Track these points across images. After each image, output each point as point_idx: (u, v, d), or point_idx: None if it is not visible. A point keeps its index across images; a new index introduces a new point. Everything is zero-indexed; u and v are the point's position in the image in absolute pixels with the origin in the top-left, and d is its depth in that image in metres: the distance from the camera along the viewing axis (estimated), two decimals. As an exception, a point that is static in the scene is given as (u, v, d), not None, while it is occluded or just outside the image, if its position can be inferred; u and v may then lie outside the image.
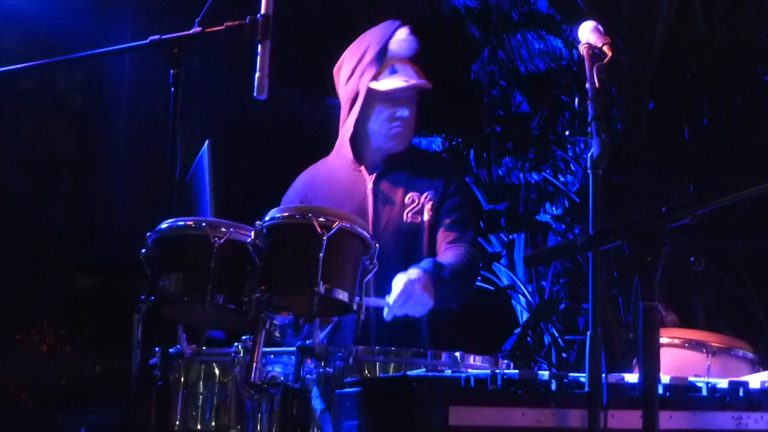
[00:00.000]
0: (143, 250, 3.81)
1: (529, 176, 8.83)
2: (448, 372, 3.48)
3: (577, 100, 3.41)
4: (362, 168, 4.93)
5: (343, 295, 3.68)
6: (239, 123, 8.96)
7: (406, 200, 4.84)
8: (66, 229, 9.44)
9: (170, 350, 3.93)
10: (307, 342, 3.80)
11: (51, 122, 9.28)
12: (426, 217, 4.81)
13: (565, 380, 3.26)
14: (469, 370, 3.74)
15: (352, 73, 4.92)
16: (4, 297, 8.98)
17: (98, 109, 9.23)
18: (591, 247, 3.07)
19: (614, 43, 3.59)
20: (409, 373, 3.50)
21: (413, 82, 4.88)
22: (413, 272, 4.44)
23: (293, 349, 3.81)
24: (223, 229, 3.74)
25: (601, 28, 3.62)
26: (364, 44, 4.94)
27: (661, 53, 8.16)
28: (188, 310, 3.83)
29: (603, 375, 3.15)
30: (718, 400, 3.35)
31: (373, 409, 3.36)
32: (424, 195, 4.85)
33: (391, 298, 4.37)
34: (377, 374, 3.87)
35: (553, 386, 3.24)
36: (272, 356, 3.88)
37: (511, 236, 8.77)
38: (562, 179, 8.61)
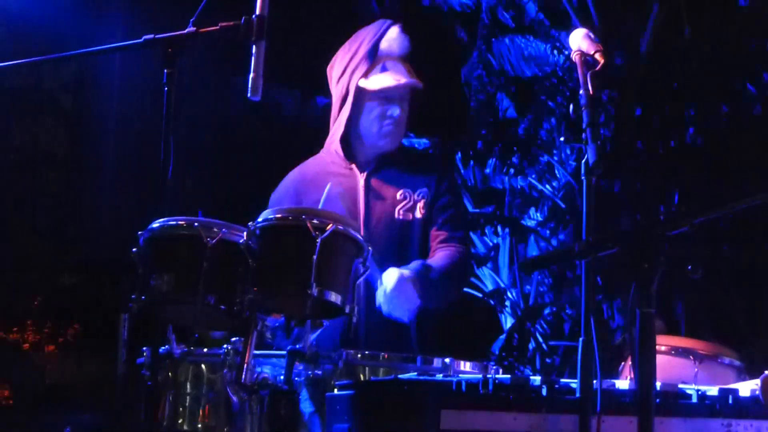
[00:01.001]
0: (134, 249, 3.80)
1: (514, 181, 8.86)
2: (440, 376, 3.49)
3: (571, 107, 3.41)
4: (353, 166, 4.93)
5: (335, 298, 3.68)
6: (230, 122, 8.96)
7: (398, 197, 4.84)
8: (52, 228, 9.42)
9: (159, 350, 3.92)
10: (298, 346, 3.80)
11: (39, 121, 9.25)
12: (418, 214, 4.82)
13: (557, 386, 3.26)
14: (459, 375, 3.74)
15: (344, 71, 4.92)
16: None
17: (88, 108, 9.21)
18: (589, 254, 3.07)
19: (606, 50, 3.60)
20: (400, 376, 3.50)
21: (404, 80, 4.88)
22: (405, 271, 4.49)
23: (283, 352, 3.80)
24: (215, 230, 3.72)
25: (593, 35, 3.63)
26: (356, 42, 4.94)
27: (647, 61, 8.19)
28: (179, 310, 3.82)
29: (595, 381, 3.16)
30: (708, 407, 3.36)
31: (364, 412, 3.36)
32: (417, 192, 4.85)
33: (381, 292, 4.39)
34: (367, 378, 3.87)
35: (545, 392, 3.25)
36: (262, 359, 3.88)
37: (495, 240, 8.78)
38: (546, 186, 8.64)
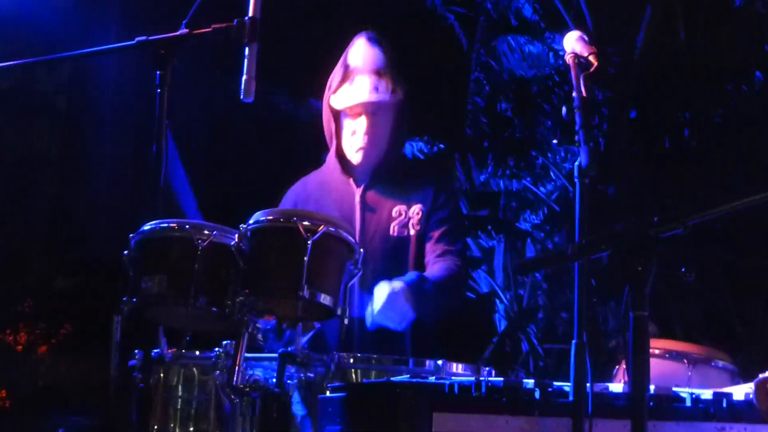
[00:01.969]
0: (125, 252, 3.79)
1: (509, 184, 8.85)
2: (432, 379, 3.48)
3: (564, 109, 3.40)
4: (350, 180, 4.91)
5: (327, 300, 3.67)
6: (222, 124, 8.94)
7: (393, 213, 4.81)
8: (46, 230, 9.41)
9: (151, 353, 3.91)
10: (289, 349, 3.78)
11: (33, 123, 9.24)
12: (412, 231, 4.79)
13: (550, 389, 3.26)
14: (452, 378, 3.73)
15: (326, 87, 4.91)
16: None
17: (82, 110, 9.20)
18: (581, 256, 3.06)
19: (601, 52, 3.59)
20: (392, 379, 3.49)
21: (363, 98, 4.80)
22: (396, 284, 4.45)
23: (274, 355, 3.79)
24: (206, 232, 3.71)
25: (587, 38, 3.62)
26: (341, 58, 4.93)
27: (643, 63, 8.19)
28: (171, 312, 3.82)
29: (588, 384, 3.15)
30: (702, 410, 3.36)
31: (356, 414, 3.35)
32: (412, 208, 4.82)
33: (373, 306, 4.37)
34: (359, 380, 3.86)
35: (538, 395, 3.24)
36: (253, 361, 3.86)
37: (491, 243, 8.77)
38: (542, 188, 8.63)
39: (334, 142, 4.92)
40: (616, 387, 3.40)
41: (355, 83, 4.83)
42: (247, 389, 3.68)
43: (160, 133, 3.83)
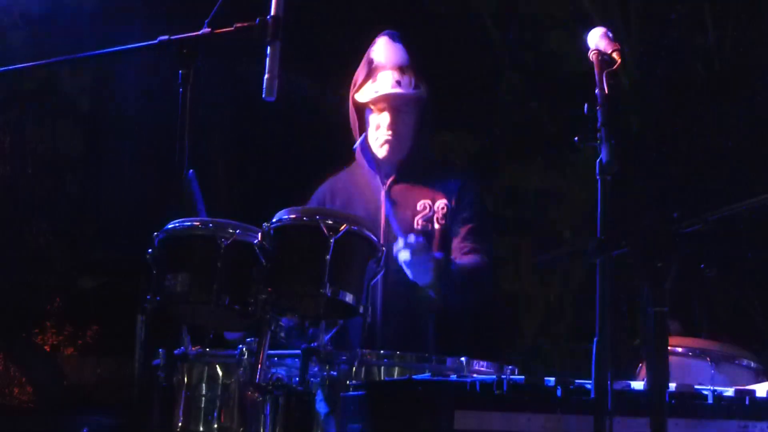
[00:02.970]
0: (149, 250, 3.81)
1: (538, 180, 8.83)
2: (454, 376, 3.48)
3: (586, 106, 3.39)
4: (376, 175, 4.93)
5: (349, 298, 3.69)
6: (247, 122, 8.95)
7: (419, 207, 4.84)
8: (70, 231, 9.44)
9: (174, 351, 3.92)
10: (312, 345, 3.79)
11: (57, 123, 9.28)
12: (437, 225, 4.82)
13: (571, 386, 3.25)
14: (474, 375, 3.73)
15: (351, 86, 4.96)
16: (8, 298, 8.97)
17: (104, 111, 9.23)
18: (601, 253, 3.06)
19: (622, 51, 3.59)
20: (414, 377, 3.49)
21: (385, 91, 4.86)
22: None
23: (297, 351, 3.80)
24: (230, 230, 3.73)
25: (611, 35, 3.61)
26: (364, 56, 4.98)
27: (670, 61, 8.17)
28: (194, 310, 3.83)
29: (609, 382, 3.14)
30: (724, 408, 3.33)
31: (378, 412, 3.36)
32: (437, 203, 4.84)
33: (401, 242, 4.47)
34: (382, 378, 3.87)
35: (559, 392, 3.24)
36: (276, 359, 3.87)
37: (517, 240, 8.75)
38: (569, 185, 8.60)
39: (360, 138, 4.95)
40: (638, 384, 3.40)
41: (379, 78, 4.90)
42: (270, 387, 3.69)
43: (182, 132, 3.84)
